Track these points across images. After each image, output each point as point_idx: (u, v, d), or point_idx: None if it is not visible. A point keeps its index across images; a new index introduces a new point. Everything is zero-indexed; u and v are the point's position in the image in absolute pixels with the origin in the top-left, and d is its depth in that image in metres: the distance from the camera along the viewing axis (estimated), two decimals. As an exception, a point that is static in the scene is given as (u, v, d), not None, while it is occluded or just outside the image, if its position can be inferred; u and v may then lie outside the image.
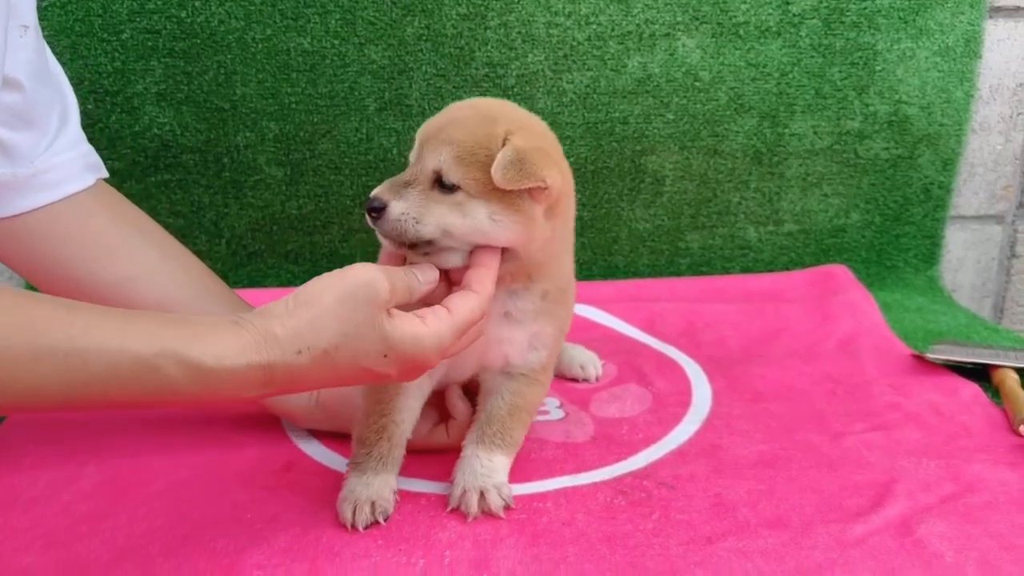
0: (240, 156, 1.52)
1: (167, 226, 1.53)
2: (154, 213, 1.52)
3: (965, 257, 1.72)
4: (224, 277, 1.56)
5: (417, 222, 0.85)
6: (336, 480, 0.97)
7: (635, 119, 1.55)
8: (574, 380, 1.26)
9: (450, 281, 0.90)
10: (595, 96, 1.53)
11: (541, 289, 0.95)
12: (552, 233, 0.90)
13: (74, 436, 1.10)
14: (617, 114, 1.54)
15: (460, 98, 1.53)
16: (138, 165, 1.52)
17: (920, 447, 1.07)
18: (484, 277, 0.87)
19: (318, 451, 1.08)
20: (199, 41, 1.45)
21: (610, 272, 1.63)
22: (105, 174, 1.09)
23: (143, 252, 1.05)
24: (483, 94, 1.51)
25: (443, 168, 0.85)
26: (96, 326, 0.70)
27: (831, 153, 1.60)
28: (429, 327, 0.82)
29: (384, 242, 0.89)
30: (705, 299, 1.53)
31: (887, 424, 1.13)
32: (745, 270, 1.65)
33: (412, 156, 0.90)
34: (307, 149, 1.52)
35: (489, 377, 0.99)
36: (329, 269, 1.58)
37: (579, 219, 1.60)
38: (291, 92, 1.49)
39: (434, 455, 1.02)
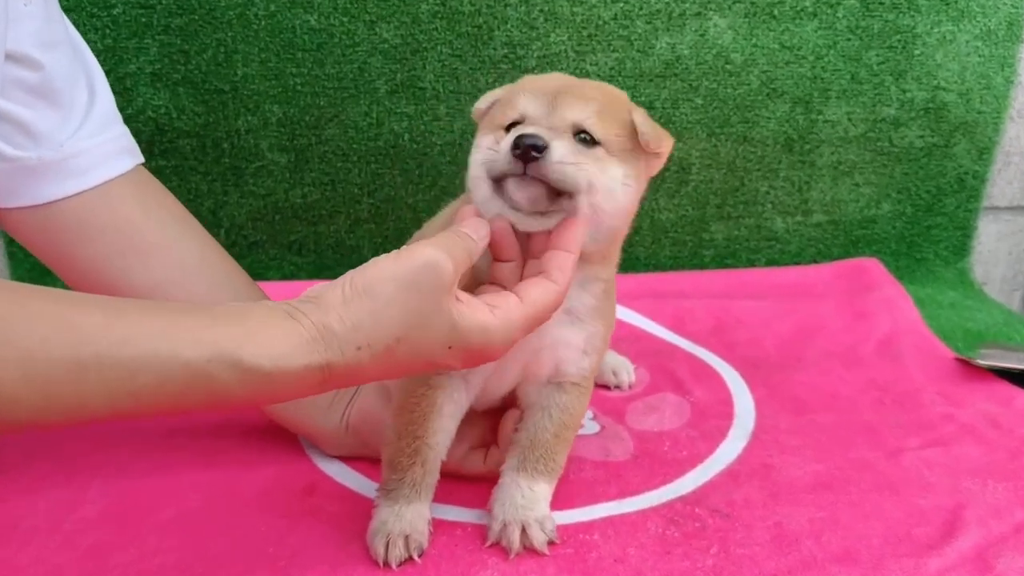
0: (241, 141, 1.42)
1: (162, 215, 1.47)
2: (148, 201, 1.46)
3: (997, 249, 1.66)
4: (223, 269, 1.51)
5: (578, 168, 0.77)
6: (363, 506, 0.90)
7: (662, 104, 1.46)
8: (605, 387, 1.19)
9: (525, 253, 0.81)
10: (620, 79, 1.44)
11: (606, 277, 0.87)
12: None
13: (74, 449, 1.02)
14: (643, 98, 1.45)
15: (477, 81, 1.45)
16: (131, 150, 1.41)
17: (983, 465, 1.01)
18: (565, 264, 0.78)
19: (341, 472, 0.99)
20: (197, 17, 1.34)
21: (630, 264, 1.56)
22: (141, 159, 1.00)
23: (182, 252, 0.96)
24: (502, 76, 1.42)
25: (587, 122, 0.78)
26: (142, 331, 0.62)
27: (864, 141, 1.52)
28: (498, 318, 0.73)
29: (486, 197, 0.79)
30: (732, 294, 1.45)
31: (944, 439, 1.06)
32: (771, 262, 1.58)
33: (530, 107, 0.80)
34: (312, 134, 1.43)
35: (534, 390, 0.90)
36: (335, 261, 1.54)
37: (599, 209, 1.55)
38: (296, 73, 1.39)
39: (469, 480, 0.95)
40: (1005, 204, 1.63)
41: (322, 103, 1.41)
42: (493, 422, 0.97)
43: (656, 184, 1.51)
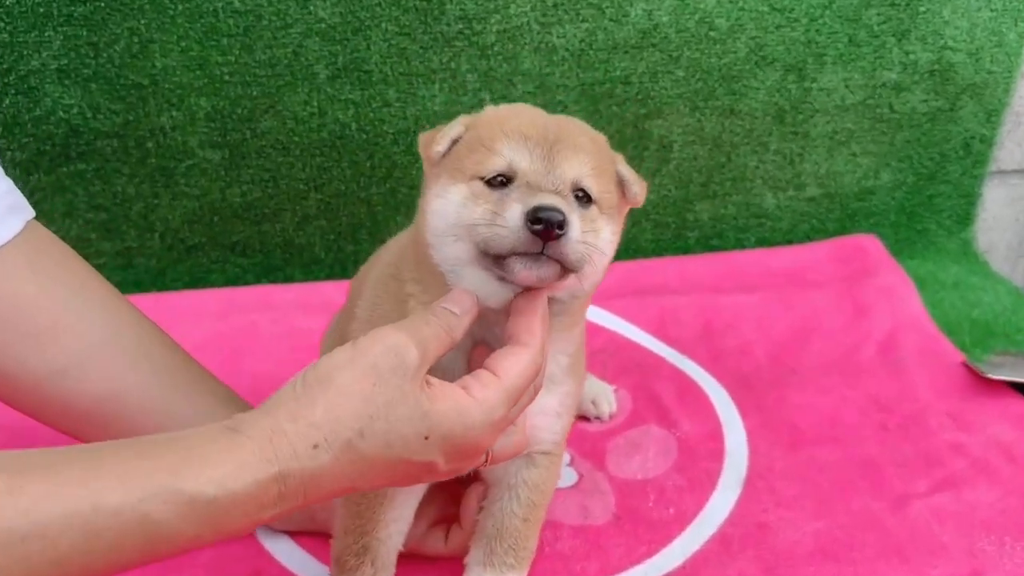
0: (167, 139, 1.26)
1: (88, 222, 1.32)
2: (71, 208, 1.31)
3: (1002, 215, 1.54)
4: (161, 275, 1.38)
5: (591, 245, 0.67)
6: (313, 601, 0.80)
7: (639, 78, 1.31)
8: (585, 419, 1.08)
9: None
10: (591, 52, 1.28)
11: (579, 333, 0.78)
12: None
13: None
14: (618, 72, 1.30)
15: (429, 61, 1.28)
16: (45, 155, 1.25)
17: (998, 515, 0.92)
18: (531, 325, 0.68)
19: (291, 553, 0.89)
20: (103, 4, 1.16)
21: (608, 250, 1.42)
22: (30, 215, 0.83)
23: (87, 330, 0.81)
24: (457, 54, 1.26)
25: (585, 181, 0.69)
26: (52, 488, 0.53)
27: (863, 108, 1.38)
28: (475, 396, 0.64)
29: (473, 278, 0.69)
30: (720, 286, 1.33)
31: (954, 479, 0.97)
32: (761, 241, 1.46)
33: (519, 158, 0.68)
34: (247, 128, 1.27)
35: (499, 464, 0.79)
36: (283, 261, 1.40)
37: (573, 193, 1.41)
38: (222, 62, 1.22)
39: (429, 560, 0.85)
40: (1014, 167, 1.50)
41: (255, 93, 1.24)
42: (454, 493, 0.87)
43: (635, 164, 1.36)
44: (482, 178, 0.68)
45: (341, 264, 1.38)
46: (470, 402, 0.64)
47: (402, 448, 0.62)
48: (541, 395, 0.73)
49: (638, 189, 0.74)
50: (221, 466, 0.56)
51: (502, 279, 0.68)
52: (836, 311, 1.27)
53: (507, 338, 0.68)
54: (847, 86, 1.36)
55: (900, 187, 1.46)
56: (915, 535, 0.89)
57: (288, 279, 1.38)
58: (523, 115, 0.72)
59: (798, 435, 1.04)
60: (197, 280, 1.38)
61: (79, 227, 1.32)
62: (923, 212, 1.48)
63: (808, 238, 1.46)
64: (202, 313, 1.27)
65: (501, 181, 0.68)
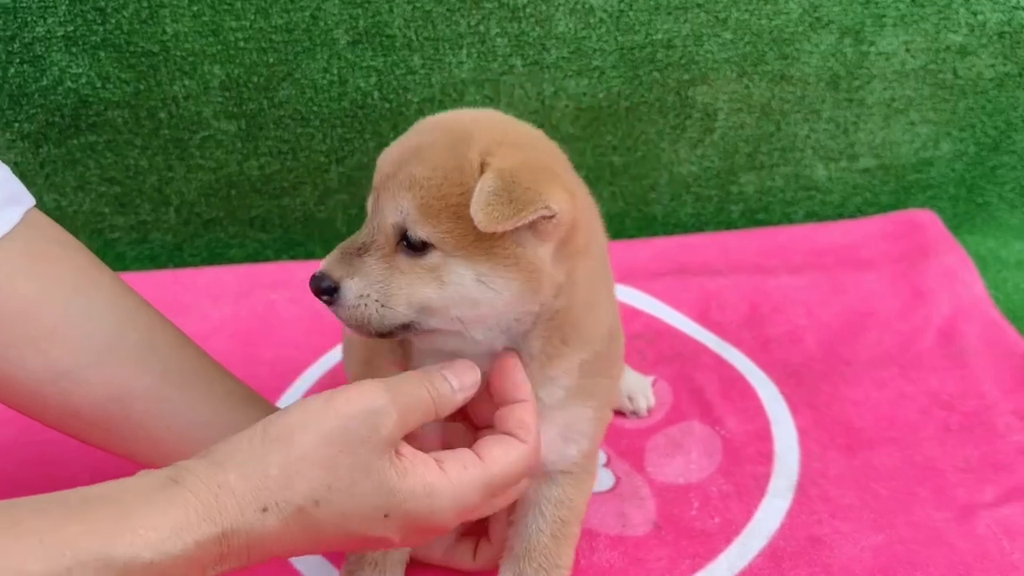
0: (180, 109, 1.19)
1: (101, 196, 1.26)
2: (83, 181, 1.25)
3: (1070, 187, 1.43)
4: (178, 250, 1.32)
5: (382, 305, 0.62)
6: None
7: (682, 41, 1.21)
8: (620, 414, 1.01)
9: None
10: (631, 14, 1.18)
11: (577, 360, 0.69)
12: (570, 277, 0.65)
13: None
14: (660, 35, 1.20)
15: (456, 25, 1.20)
16: (54, 126, 1.19)
17: (1077, 532, 0.84)
18: (525, 415, 0.64)
19: (309, 558, 0.84)
20: (108, -34, 1.09)
21: (646, 225, 1.35)
22: (30, 203, 0.77)
23: (92, 331, 0.75)
24: (486, 17, 1.17)
25: (406, 222, 0.61)
26: None
27: (924, 74, 1.27)
28: (449, 478, 0.59)
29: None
30: (766, 266, 1.25)
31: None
32: (810, 215, 1.37)
33: (369, 205, 0.65)
34: (264, 97, 1.19)
35: None
36: (304, 236, 1.34)
37: (609, 165, 1.31)
38: (236, 27, 1.14)
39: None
40: (1085, 136, 1.39)
41: (271, 60, 1.17)
42: None
43: (676, 134, 1.28)
44: None
45: (364, 239, 1.31)
46: (443, 482, 0.59)
47: (358, 522, 0.58)
48: (541, 423, 0.68)
49: (480, 213, 0.59)
50: (158, 528, 0.52)
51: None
52: (891, 295, 1.19)
53: (497, 423, 0.65)
54: (907, 50, 1.25)
55: (960, 158, 1.36)
56: (983, 552, 0.82)
57: (308, 255, 1.31)
58: (402, 142, 0.66)
59: (853, 436, 0.97)
60: (215, 256, 1.32)
61: (92, 201, 1.26)
62: (985, 184, 1.38)
63: (860, 212, 1.37)
64: (219, 291, 1.22)
65: None
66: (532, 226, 0.61)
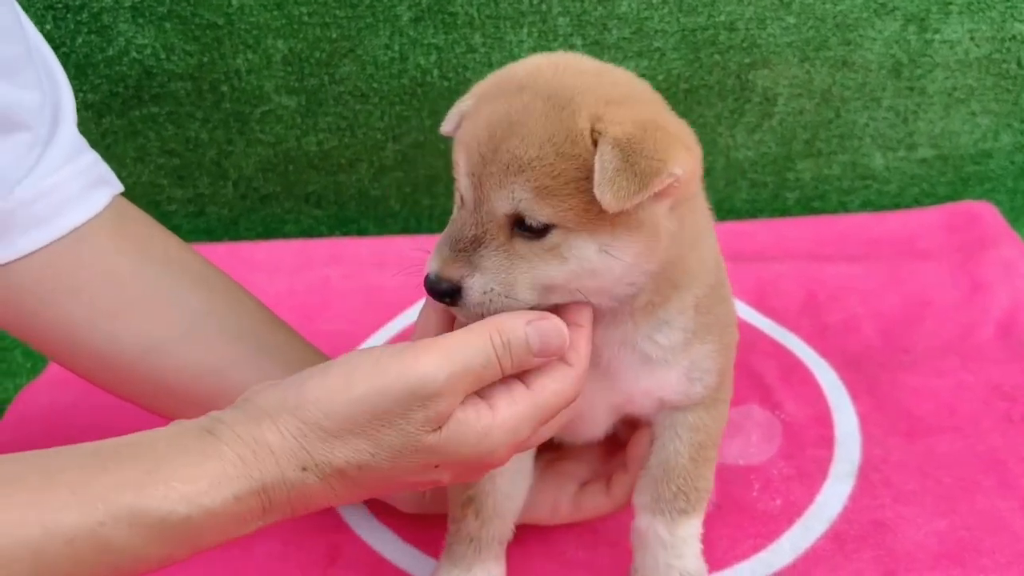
0: (242, 83, 1.20)
1: (160, 168, 1.28)
2: (143, 153, 1.26)
3: None
4: (234, 224, 1.33)
5: (506, 296, 0.60)
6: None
7: (745, 23, 1.20)
8: (679, 394, 1.01)
9: None
10: (695, -5, 1.18)
11: (691, 300, 0.67)
12: (680, 222, 0.63)
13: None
14: (722, 17, 1.20)
15: (517, 3, 1.19)
16: (117, 97, 1.21)
17: None
18: (578, 340, 0.62)
19: (370, 527, 0.85)
20: (178, -63, 1.10)
21: (700, 210, 1.34)
22: (119, 188, 0.79)
23: (180, 306, 0.77)
24: (551, -2, 1.17)
25: (523, 209, 0.58)
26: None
27: (987, 63, 1.26)
28: (500, 417, 0.58)
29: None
30: (823, 253, 1.24)
31: (1090, 480, 0.88)
32: (866, 204, 1.36)
33: (463, 188, 0.61)
34: (325, 73, 1.20)
35: (648, 415, 0.74)
36: (358, 213, 1.34)
37: (665, 149, 1.32)
38: (301, 1, 1.15)
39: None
40: None
41: (334, 36, 1.18)
42: (604, 451, 0.82)
43: (734, 118, 1.28)
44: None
45: (416, 218, 1.32)
46: (494, 423, 0.57)
47: (406, 476, 0.57)
48: (656, 374, 0.68)
49: (609, 195, 0.56)
50: (194, 481, 0.51)
51: None
52: (950, 286, 1.18)
53: None
54: (972, 38, 1.24)
55: (1020, 150, 1.34)
56: (1050, 542, 0.81)
57: (361, 232, 1.32)
58: (488, 113, 0.60)
59: (914, 423, 0.96)
60: (271, 230, 1.33)
61: (150, 172, 1.28)
62: (1044, 178, 1.36)
63: (917, 203, 1.36)
64: (275, 266, 1.23)
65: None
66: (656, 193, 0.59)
